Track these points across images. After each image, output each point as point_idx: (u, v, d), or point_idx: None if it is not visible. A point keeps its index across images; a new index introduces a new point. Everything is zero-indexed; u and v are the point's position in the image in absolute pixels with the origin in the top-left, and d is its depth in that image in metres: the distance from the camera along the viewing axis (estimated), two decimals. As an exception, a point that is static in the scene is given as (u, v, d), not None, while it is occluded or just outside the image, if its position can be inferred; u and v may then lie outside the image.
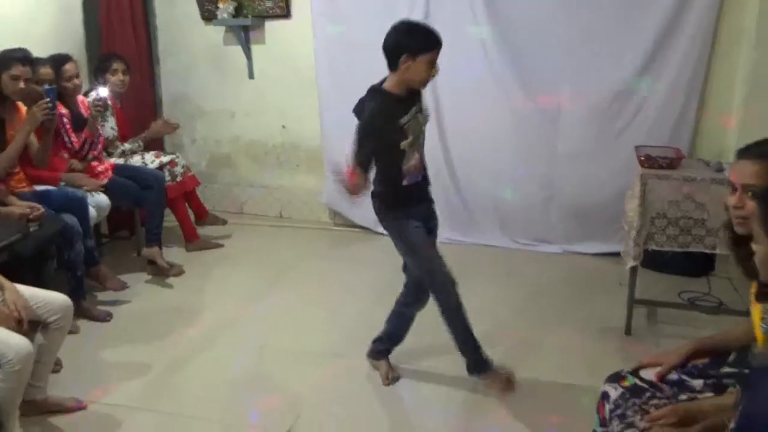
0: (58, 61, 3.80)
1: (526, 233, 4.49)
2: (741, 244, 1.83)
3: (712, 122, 4.09)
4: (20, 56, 3.29)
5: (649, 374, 1.92)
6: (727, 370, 1.86)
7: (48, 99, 3.27)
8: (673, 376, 1.90)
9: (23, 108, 3.42)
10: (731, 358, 1.91)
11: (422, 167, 2.74)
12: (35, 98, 3.31)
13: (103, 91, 3.83)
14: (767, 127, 3.63)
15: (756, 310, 1.75)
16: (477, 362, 2.81)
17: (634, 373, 1.94)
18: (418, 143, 2.67)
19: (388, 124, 2.57)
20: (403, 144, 2.59)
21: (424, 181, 2.78)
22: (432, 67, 2.55)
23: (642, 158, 3.23)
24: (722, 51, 3.98)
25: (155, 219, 4.04)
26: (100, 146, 4.03)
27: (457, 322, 2.76)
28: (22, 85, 3.28)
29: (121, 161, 4.23)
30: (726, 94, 4.02)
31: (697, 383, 1.86)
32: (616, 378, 1.94)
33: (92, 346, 3.23)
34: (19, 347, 2.24)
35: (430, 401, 2.87)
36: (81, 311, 3.38)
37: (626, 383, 1.90)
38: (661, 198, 3.10)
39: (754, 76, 3.77)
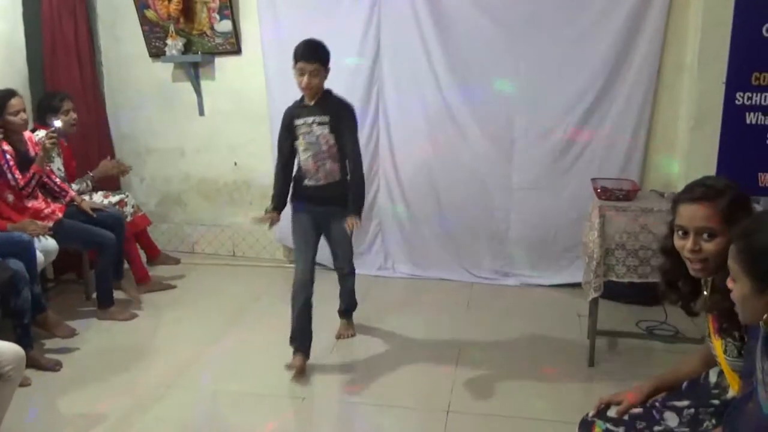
0: (3, 96, 3.69)
1: (484, 266, 4.51)
2: (676, 286, 1.89)
3: (659, 153, 4.21)
4: None
5: (612, 413, 1.93)
6: (684, 402, 1.89)
7: None
8: (638, 410, 1.91)
9: None
10: (684, 386, 1.95)
11: (322, 175, 3.24)
12: None
13: (57, 122, 3.79)
14: (711, 158, 3.86)
15: (717, 344, 1.79)
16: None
17: (600, 415, 1.94)
18: (315, 150, 3.20)
19: (287, 121, 3.26)
20: (296, 143, 3.24)
21: (329, 188, 3.27)
22: (301, 76, 3.11)
23: (599, 190, 3.29)
24: (666, 85, 4.12)
25: (107, 282, 3.96)
26: (58, 181, 3.93)
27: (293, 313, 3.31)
28: None
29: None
30: (671, 127, 4.16)
31: (672, 420, 1.87)
32: (586, 427, 1.94)
33: (43, 398, 3.07)
34: (-31, 404, 2.11)
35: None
36: (29, 361, 3.18)
37: (598, 430, 1.90)
38: (619, 230, 3.14)
39: (698, 109, 3.90)
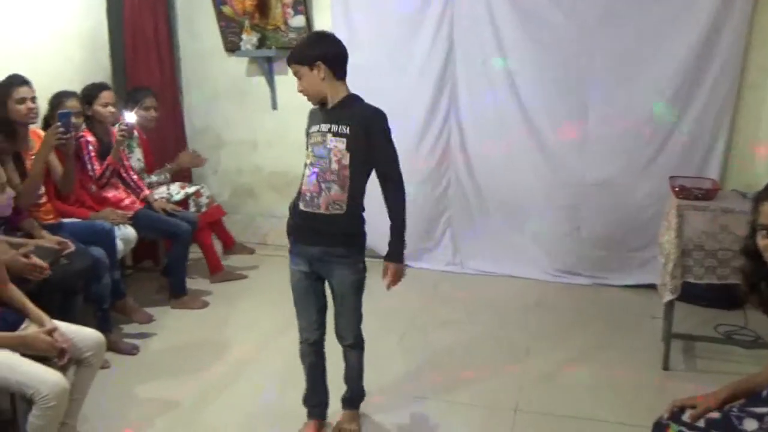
0: (96, 87, 3.87)
1: (555, 264, 4.44)
2: (758, 289, 1.82)
3: (741, 153, 4.06)
4: (19, 80, 3.27)
5: (686, 417, 1.88)
6: (764, 409, 1.81)
7: (59, 123, 3.20)
8: (715, 415, 1.84)
9: (41, 135, 3.42)
10: (765, 393, 1.87)
11: (323, 202, 2.47)
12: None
13: (130, 117, 3.86)
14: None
15: None
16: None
17: (674, 418, 1.88)
18: (322, 167, 2.45)
19: (307, 125, 2.56)
20: (306, 153, 2.53)
21: (330, 220, 2.48)
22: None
23: (677, 189, 3.19)
24: (751, 83, 3.96)
25: (180, 271, 4.08)
26: (135, 176, 4.06)
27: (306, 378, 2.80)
28: (30, 105, 3.27)
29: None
30: (755, 125, 4.00)
31: (751, 425, 1.81)
32: (660, 429, 1.89)
33: (119, 381, 3.18)
34: (54, 383, 2.21)
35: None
36: (108, 344, 3.31)
37: None
38: (697, 230, 3.04)
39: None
